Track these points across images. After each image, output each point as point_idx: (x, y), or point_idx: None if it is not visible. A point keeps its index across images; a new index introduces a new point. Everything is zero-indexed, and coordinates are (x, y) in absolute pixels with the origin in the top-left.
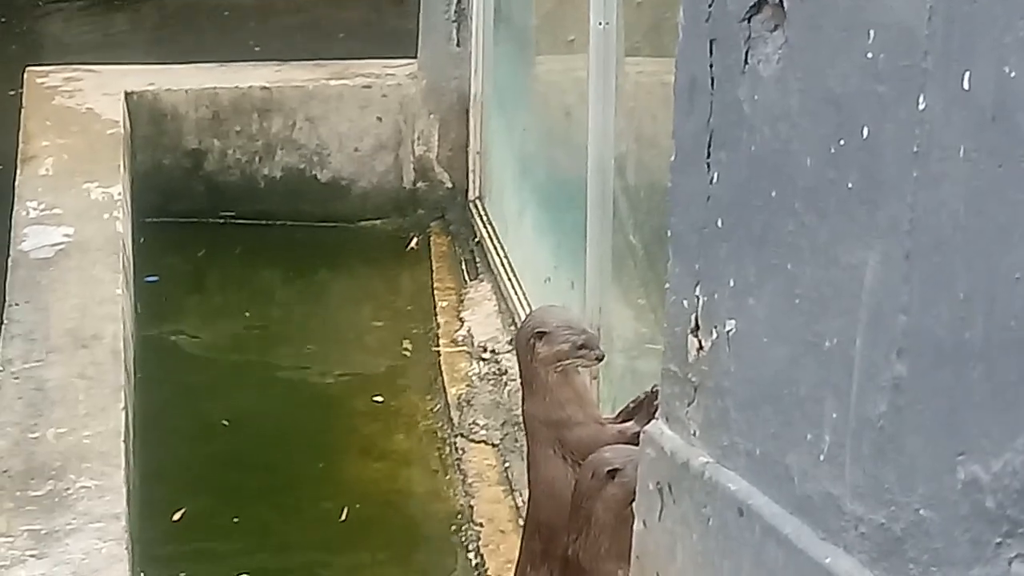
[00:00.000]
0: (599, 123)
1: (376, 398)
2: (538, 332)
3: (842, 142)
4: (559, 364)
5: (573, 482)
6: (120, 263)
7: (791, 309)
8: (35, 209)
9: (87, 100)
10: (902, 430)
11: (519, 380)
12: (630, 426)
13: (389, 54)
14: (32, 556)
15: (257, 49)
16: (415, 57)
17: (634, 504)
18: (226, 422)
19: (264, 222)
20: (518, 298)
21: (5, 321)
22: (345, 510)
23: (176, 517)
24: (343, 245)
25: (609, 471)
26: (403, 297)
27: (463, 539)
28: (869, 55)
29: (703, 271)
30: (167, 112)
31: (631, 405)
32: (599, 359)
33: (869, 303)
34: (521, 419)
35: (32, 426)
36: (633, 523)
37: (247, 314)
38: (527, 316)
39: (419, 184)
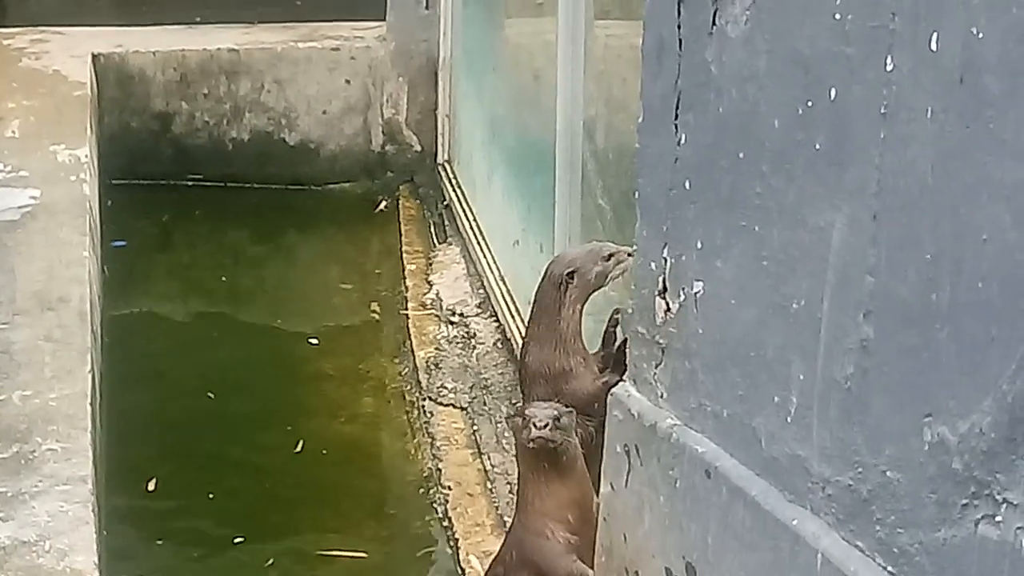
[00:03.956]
0: (568, 86)
1: (311, 340)
2: (568, 273)
3: (810, 103)
4: (596, 288)
5: None
6: (87, 226)
7: (759, 271)
8: (1, 171)
9: (54, 62)
10: (869, 392)
11: (525, 327)
12: (615, 378)
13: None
14: None
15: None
16: (384, 20)
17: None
18: (211, 395)
19: (232, 185)
20: (487, 261)
21: None
22: (301, 443)
23: (151, 487)
24: (311, 208)
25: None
26: (371, 260)
27: (431, 501)
28: (837, 16)
29: (671, 233)
30: (134, 74)
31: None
32: (630, 255)
33: (836, 265)
34: (518, 371)
35: None
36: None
37: (220, 278)
38: (552, 263)
39: (388, 147)
